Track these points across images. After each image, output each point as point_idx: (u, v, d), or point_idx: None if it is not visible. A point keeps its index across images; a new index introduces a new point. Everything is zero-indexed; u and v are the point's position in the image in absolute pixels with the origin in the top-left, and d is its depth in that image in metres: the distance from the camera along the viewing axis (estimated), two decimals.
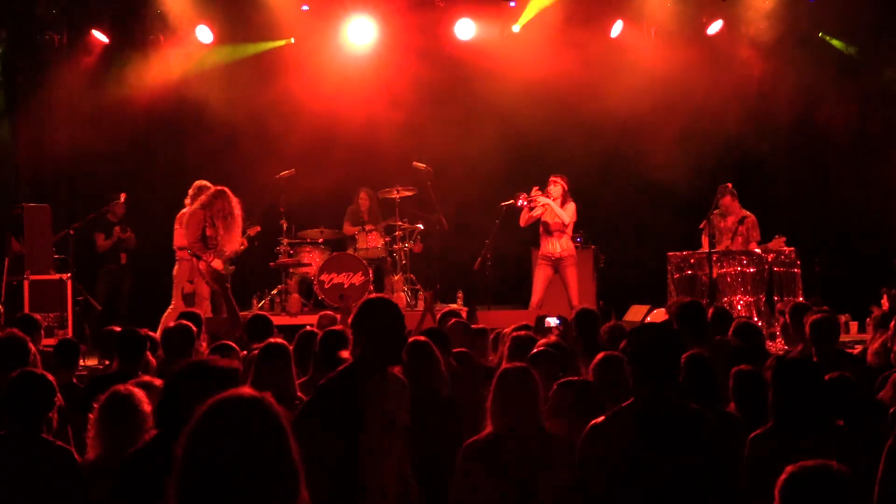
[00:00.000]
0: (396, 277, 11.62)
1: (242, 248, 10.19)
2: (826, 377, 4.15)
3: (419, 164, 11.42)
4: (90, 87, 12.45)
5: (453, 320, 6.79)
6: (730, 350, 5.68)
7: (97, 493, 3.70)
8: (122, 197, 11.48)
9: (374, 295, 5.89)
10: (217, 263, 9.42)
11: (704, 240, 10.34)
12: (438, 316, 7.39)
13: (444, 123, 12.39)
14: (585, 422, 3.68)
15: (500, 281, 11.56)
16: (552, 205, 10.43)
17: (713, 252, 10.21)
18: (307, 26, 12.49)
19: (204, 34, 12.31)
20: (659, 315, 9.39)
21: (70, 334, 9.88)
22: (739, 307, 10.00)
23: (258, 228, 11.00)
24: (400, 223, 11.72)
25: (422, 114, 12.40)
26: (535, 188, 10.52)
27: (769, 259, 10.30)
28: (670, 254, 10.69)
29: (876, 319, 7.65)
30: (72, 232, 10.82)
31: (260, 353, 5.09)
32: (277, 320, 8.23)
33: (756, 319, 9.53)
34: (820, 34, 12.91)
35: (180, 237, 10.03)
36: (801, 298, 9.97)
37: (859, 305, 11.33)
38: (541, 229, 10.62)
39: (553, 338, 5.92)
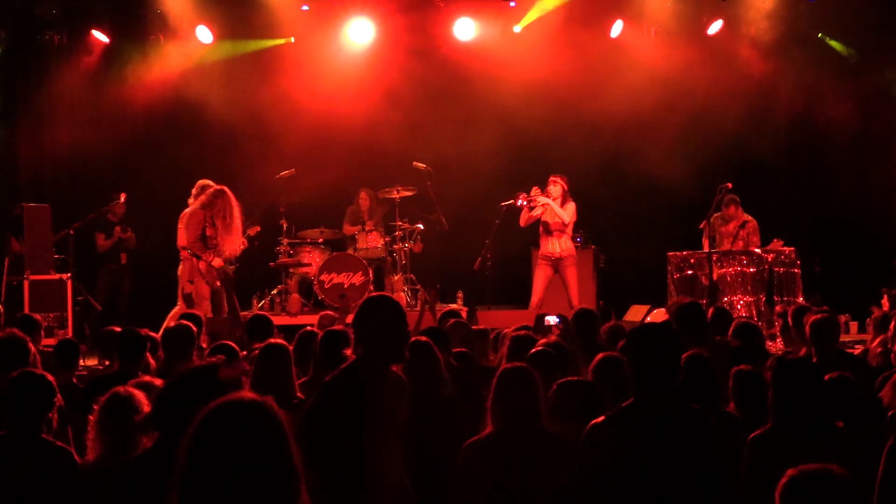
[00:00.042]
0: (396, 277, 11.62)
1: (243, 247, 10.20)
2: (826, 377, 4.15)
3: (419, 164, 11.42)
4: (90, 87, 12.46)
5: (453, 320, 6.78)
6: (729, 350, 5.68)
7: (97, 495, 3.70)
8: (123, 197, 11.48)
9: (375, 293, 5.89)
10: (217, 262, 9.42)
11: (705, 242, 10.35)
12: (438, 316, 7.39)
13: (444, 123, 12.39)
14: (585, 422, 3.68)
15: (500, 281, 11.55)
16: (552, 204, 10.43)
17: (713, 252, 10.21)
18: (307, 26, 12.49)
19: (204, 34, 12.31)
20: (659, 315, 9.39)
21: (70, 334, 9.88)
22: (739, 307, 10.00)
23: (258, 228, 10.99)
24: (400, 223, 11.73)
25: (422, 114, 12.41)
26: (535, 188, 10.53)
27: (769, 259, 10.30)
28: (670, 254, 10.69)
29: (876, 319, 7.65)
30: (72, 232, 10.82)
31: (260, 354, 5.09)
32: (277, 320, 8.23)
33: (756, 320, 9.52)
34: (819, 35, 12.91)
35: (183, 237, 10.04)
36: (801, 298, 9.98)
37: (859, 305, 11.34)
38: (541, 229, 10.62)
39: (553, 337, 5.93)
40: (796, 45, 12.80)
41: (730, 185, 10.18)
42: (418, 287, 11.79)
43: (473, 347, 6.18)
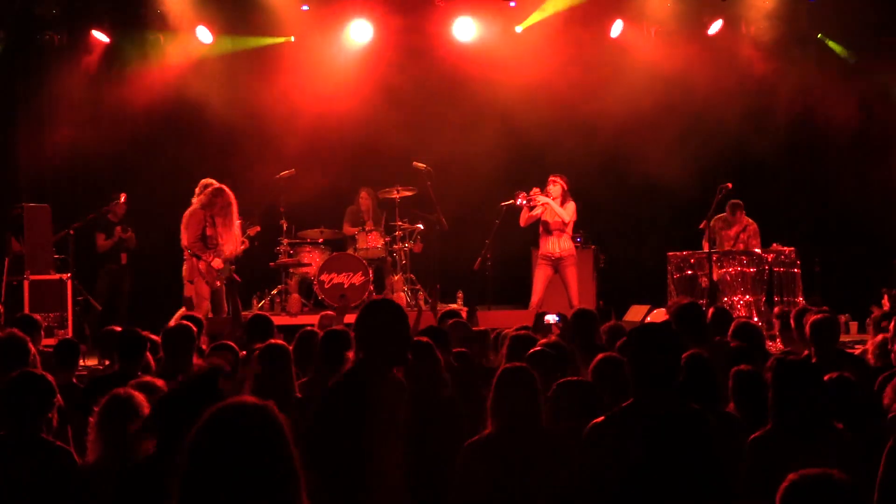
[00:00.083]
0: (396, 277, 11.62)
1: (243, 247, 10.20)
2: (826, 377, 4.15)
3: (419, 164, 11.42)
4: (90, 86, 12.45)
5: (453, 320, 6.78)
6: (729, 350, 5.68)
7: (97, 495, 3.70)
8: (123, 197, 11.48)
9: (377, 297, 5.90)
10: (217, 263, 9.42)
11: (705, 244, 10.36)
12: (438, 316, 7.39)
13: (444, 123, 12.39)
14: (585, 422, 3.68)
15: (500, 281, 11.55)
16: (552, 204, 10.43)
17: (713, 252, 10.21)
18: (307, 26, 12.49)
19: (204, 34, 12.31)
20: (659, 315, 9.39)
21: (70, 334, 9.88)
22: (739, 307, 10.01)
23: (258, 228, 10.98)
24: (400, 223, 11.73)
25: (422, 113, 12.41)
26: (535, 188, 10.53)
27: (769, 259, 10.31)
28: (670, 254, 10.69)
29: (876, 319, 7.65)
30: (72, 232, 10.82)
31: (260, 354, 5.09)
32: (277, 320, 8.22)
33: (756, 320, 9.53)
34: (819, 36, 12.91)
35: (184, 237, 10.03)
36: (800, 298, 9.99)
37: (859, 305, 11.34)
38: (541, 229, 10.62)
39: (553, 337, 5.93)
40: (796, 45, 12.81)
41: (730, 185, 10.16)
42: (418, 287, 11.80)
43: (473, 347, 6.18)
